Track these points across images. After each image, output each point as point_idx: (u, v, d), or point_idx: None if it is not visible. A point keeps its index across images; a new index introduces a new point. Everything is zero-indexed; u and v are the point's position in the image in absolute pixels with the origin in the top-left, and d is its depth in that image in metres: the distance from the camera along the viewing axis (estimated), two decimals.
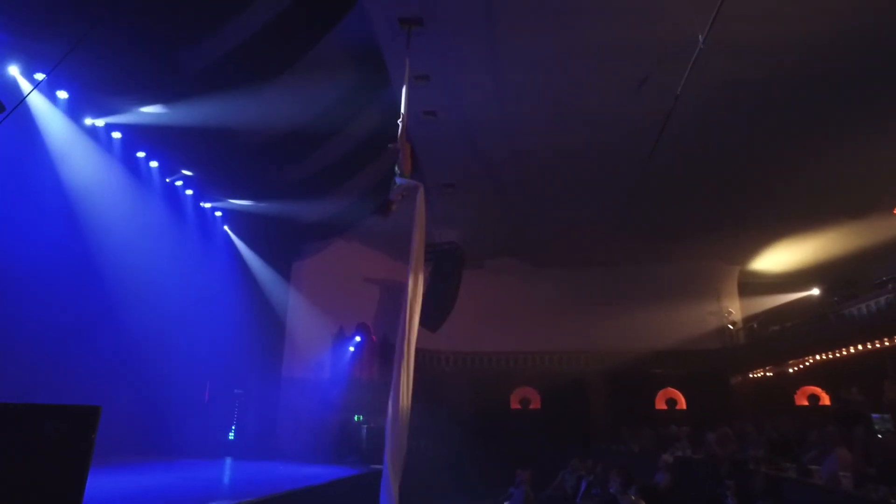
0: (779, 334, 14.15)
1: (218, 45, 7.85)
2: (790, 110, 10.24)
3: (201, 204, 11.21)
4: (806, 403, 14.87)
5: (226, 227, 12.45)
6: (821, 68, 9.03)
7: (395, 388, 6.40)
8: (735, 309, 16.27)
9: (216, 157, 9.89)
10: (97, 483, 6.52)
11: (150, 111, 8.39)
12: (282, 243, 13.94)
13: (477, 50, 9.14)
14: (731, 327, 15.87)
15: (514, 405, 16.68)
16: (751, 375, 15.64)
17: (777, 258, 15.91)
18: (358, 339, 14.24)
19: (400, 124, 7.91)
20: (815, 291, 13.16)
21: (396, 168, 7.02)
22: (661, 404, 15.92)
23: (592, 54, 9.17)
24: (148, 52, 7.33)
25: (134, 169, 9.40)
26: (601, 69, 9.48)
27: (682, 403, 15.82)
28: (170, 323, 11.83)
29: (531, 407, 16.60)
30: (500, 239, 16.54)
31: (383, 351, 17.13)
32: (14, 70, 6.91)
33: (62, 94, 7.69)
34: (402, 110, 8.01)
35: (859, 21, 8.09)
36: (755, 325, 15.57)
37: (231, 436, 12.83)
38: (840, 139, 10.97)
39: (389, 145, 7.32)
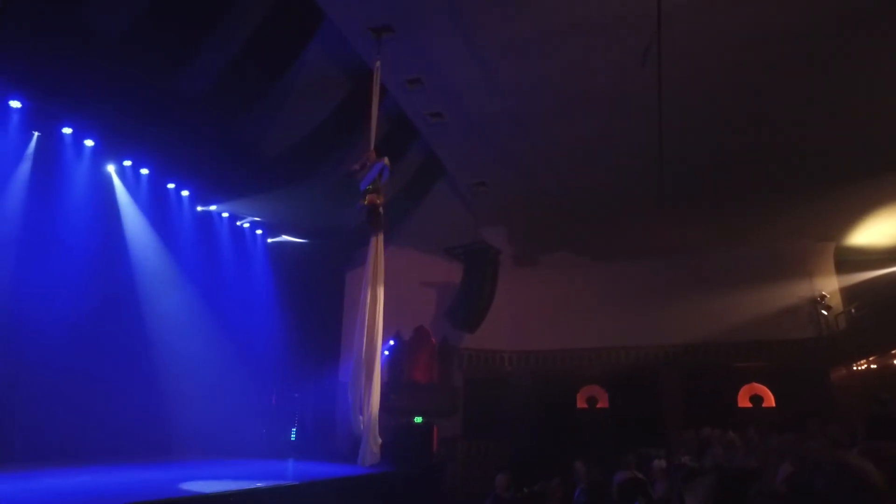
0: (877, 318, 11.96)
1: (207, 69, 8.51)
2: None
3: (238, 223, 12.19)
4: None
5: (270, 240, 13.44)
6: None
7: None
8: (831, 291, 14.04)
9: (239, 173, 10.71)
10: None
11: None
12: (332, 253, 14.70)
13: (456, 44, 8.95)
14: (824, 313, 13.72)
15: (581, 404, 15.90)
16: (855, 368, 13.40)
17: (883, 228, 13.48)
18: (392, 342, 14.53)
19: (372, 138, 7.98)
20: None
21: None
22: (744, 402, 14.22)
23: (581, 29, 8.57)
24: (146, 80, 8.09)
25: (167, 201, 10.51)
26: (595, 43, 8.82)
27: (770, 400, 13.98)
28: (235, 334, 13.09)
29: (599, 406, 15.71)
30: (551, 233, 15.88)
31: (443, 353, 17.28)
32: None
33: (89, 143, 8.83)
34: (373, 122, 8.10)
35: None
36: (853, 310, 13.31)
37: (293, 437, 13.77)
38: None
39: (355, 166, 7.46)
